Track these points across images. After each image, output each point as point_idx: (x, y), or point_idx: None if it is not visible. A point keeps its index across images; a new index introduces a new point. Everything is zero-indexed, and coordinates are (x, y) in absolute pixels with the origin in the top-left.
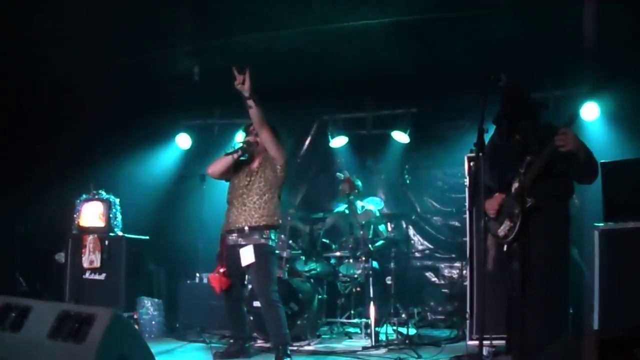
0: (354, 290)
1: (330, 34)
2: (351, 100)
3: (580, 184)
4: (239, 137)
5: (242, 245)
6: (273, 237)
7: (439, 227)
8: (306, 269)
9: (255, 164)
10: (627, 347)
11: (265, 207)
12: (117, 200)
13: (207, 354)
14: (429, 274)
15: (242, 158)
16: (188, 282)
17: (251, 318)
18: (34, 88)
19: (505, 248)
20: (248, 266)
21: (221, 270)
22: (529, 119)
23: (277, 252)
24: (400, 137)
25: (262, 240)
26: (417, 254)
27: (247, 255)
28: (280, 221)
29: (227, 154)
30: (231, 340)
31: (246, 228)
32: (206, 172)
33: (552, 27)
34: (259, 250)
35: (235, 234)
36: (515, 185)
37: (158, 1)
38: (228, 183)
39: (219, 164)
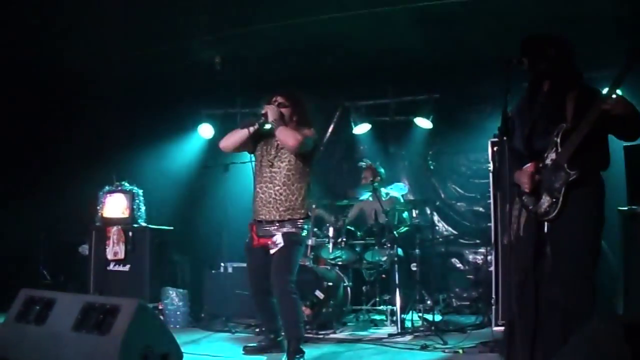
0: (379, 277)
1: (351, 21)
2: (373, 86)
3: (624, 141)
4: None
5: (272, 235)
6: (306, 227)
7: (463, 213)
8: (331, 256)
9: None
10: None
11: (291, 200)
12: (141, 192)
13: (233, 343)
14: (453, 260)
15: (265, 128)
16: (213, 271)
17: None
18: (55, 80)
19: (546, 228)
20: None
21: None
22: (565, 77)
23: (307, 243)
24: (423, 123)
25: (293, 230)
26: (441, 240)
27: (275, 242)
28: (309, 213)
29: (243, 126)
30: (261, 335)
31: (276, 222)
32: (220, 146)
33: (574, 9)
34: (287, 237)
35: (266, 226)
36: (552, 156)
37: None
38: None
39: (232, 138)
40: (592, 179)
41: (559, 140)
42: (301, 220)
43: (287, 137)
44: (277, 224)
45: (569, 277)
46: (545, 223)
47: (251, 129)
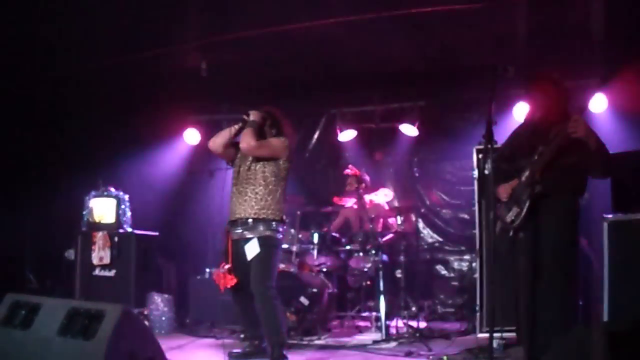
0: (363, 283)
1: (337, 28)
2: (359, 93)
3: (594, 177)
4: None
5: (248, 239)
6: (281, 230)
7: (448, 219)
8: (316, 263)
9: None
10: (636, 340)
11: (266, 200)
12: (126, 197)
13: (218, 349)
14: (438, 267)
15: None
16: (198, 277)
17: None
18: (42, 85)
19: (511, 234)
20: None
21: (225, 267)
22: (556, 113)
23: (284, 245)
24: (409, 130)
25: (268, 232)
26: (426, 247)
27: (252, 249)
28: (284, 217)
29: (229, 126)
30: (246, 341)
31: (250, 220)
32: (208, 146)
33: (560, 18)
34: (262, 242)
35: (240, 228)
36: (526, 173)
37: None
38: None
39: (219, 137)
40: (561, 199)
41: (534, 160)
42: (275, 222)
43: (244, 138)
44: (251, 223)
45: (542, 291)
46: (511, 231)
47: (236, 127)
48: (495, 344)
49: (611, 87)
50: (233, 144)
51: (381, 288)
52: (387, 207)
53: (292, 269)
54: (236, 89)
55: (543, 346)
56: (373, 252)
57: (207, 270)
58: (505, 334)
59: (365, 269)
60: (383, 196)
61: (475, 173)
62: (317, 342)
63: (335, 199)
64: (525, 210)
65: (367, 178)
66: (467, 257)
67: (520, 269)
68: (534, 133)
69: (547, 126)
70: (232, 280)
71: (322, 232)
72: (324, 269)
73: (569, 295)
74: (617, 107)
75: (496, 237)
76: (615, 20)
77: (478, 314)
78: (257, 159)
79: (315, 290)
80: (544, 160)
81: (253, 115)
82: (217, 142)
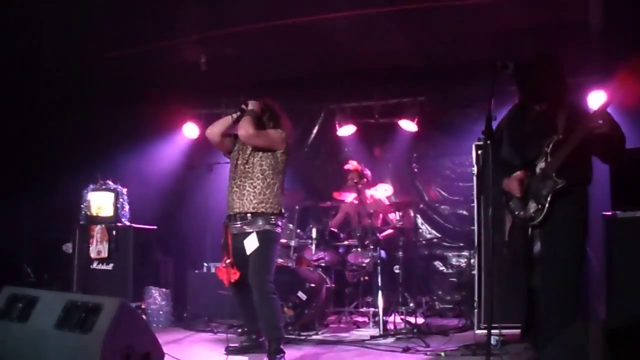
0: (362, 279)
1: (337, 22)
2: (359, 88)
3: (604, 162)
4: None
5: (247, 233)
6: (280, 224)
7: (447, 215)
8: (314, 258)
9: None
10: (634, 337)
11: (264, 193)
12: (125, 190)
13: (215, 343)
14: (437, 263)
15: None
16: (196, 271)
17: None
18: (39, 79)
19: (530, 231)
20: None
21: (227, 261)
22: (556, 97)
23: (282, 240)
24: (408, 125)
25: (267, 227)
26: (425, 243)
27: (251, 243)
28: (283, 210)
29: (227, 114)
30: (244, 336)
31: (248, 215)
32: (206, 134)
33: (559, 14)
34: (261, 236)
35: (239, 222)
36: (542, 165)
37: None
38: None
39: (217, 125)
40: (578, 190)
41: (549, 150)
42: (274, 216)
43: (242, 125)
44: (250, 217)
45: (553, 283)
46: (530, 229)
47: (234, 115)
48: (493, 340)
49: (611, 83)
50: (230, 134)
51: (379, 283)
52: (387, 203)
53: (290, 264)
54: (235, 83)
55: (543, 343)
56: (371, 247)
57: (205, 264)
58: (503, 331)
59: (364, 265)
60: (383, 191)
61: (475, 169)
62: (314, 337)
63: (335, 194)
64: (547, 206)
65: (368, 173)
66: (465, 253)
67: (533, 261)
68: (538, 122)
69: (551, 113)
70: (235, 274)
71: (320, 227)
72: (322, 264)
73: (575, 291)
74: (616, 103)
75: (503, 233)
76: (615, 16)
77: (476, 311)
78: (255, 152)
79: (313, 285)
80: (564, 154)
81: (252, 105)
82: (215, 130)
